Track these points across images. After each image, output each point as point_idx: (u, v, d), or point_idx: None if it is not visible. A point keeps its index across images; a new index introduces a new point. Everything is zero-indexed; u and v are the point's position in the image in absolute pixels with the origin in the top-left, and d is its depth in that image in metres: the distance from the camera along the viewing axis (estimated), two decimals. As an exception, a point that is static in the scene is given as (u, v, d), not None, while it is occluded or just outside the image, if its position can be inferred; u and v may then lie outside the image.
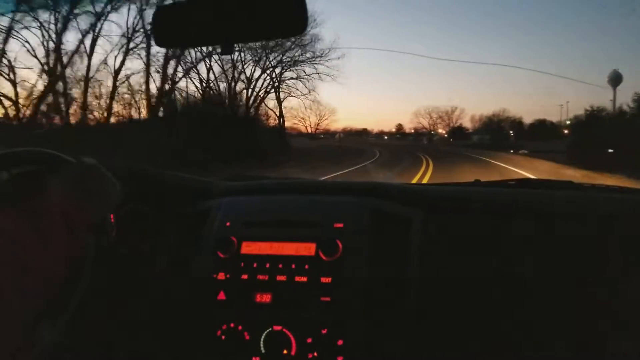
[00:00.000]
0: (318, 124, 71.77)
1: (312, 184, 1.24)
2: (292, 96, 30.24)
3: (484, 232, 0.95)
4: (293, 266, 0.90)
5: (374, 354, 0.84)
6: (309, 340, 0.84)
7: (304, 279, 0.88)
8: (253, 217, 1.02)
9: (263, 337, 0.86)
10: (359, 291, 0.87)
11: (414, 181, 10.29)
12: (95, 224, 0.73)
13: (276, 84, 28.10)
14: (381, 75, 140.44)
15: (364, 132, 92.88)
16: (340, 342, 0.83)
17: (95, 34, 15.38)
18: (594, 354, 0.85)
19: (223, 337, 0.88)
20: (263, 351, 0.85)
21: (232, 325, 0.88)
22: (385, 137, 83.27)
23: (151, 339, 0.97)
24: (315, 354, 0.83)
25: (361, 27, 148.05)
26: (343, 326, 0.84)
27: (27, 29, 14.16)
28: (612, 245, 0.90)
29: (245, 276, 0.91)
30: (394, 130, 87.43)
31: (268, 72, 26.27)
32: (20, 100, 14.06)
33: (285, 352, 0.84)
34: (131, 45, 16.34)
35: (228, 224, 1.00)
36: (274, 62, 26.32)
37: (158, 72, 17.75)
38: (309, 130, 71.29)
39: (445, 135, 71.08)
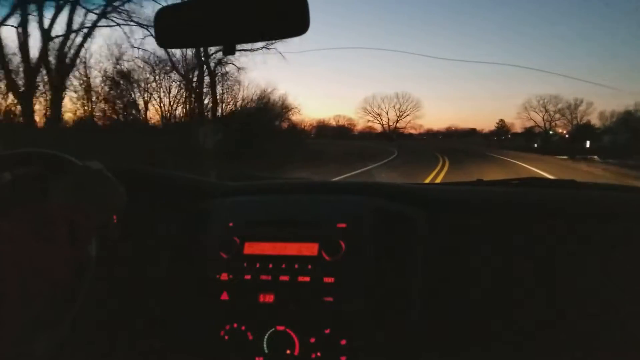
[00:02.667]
0: (397, 121, 57.10)
1: (315, 184, 1.24)
2: (242, 50, 17.13)
3: (488, 232, 0.95)
4: (296, 266, 0.89)
5: (377, 354, 0.84)
6: (312, 340, 0.84)
7: (307, 279, 0.88)
8: (255, 217, 1.02)
9: (266, 337, 0.86)
10: (362, 291, 0.86)
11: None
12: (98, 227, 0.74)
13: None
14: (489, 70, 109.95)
15: (472, 132, 70.90)
16: (343, 342, 0.82)
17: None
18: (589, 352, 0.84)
19: (226, 338, 0.88)
20: (266, 351, 0.85)
21: (235, 325, 0.88)
22: (495, 138, 60.32)
23: (154, 339, 0.97)
24: (319, 354, 0.83)
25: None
26: (346, 326, 0.84)
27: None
28: (617, 243, 0.89)
29: (248, 276, 0.91)
30: (494, 128, 64.64)
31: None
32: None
33: (288, 352, 0.84)
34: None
35: (231, 224, 1.00)
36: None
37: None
38: (386, 129, 56.41)
39: (566, 135, 50.46)
